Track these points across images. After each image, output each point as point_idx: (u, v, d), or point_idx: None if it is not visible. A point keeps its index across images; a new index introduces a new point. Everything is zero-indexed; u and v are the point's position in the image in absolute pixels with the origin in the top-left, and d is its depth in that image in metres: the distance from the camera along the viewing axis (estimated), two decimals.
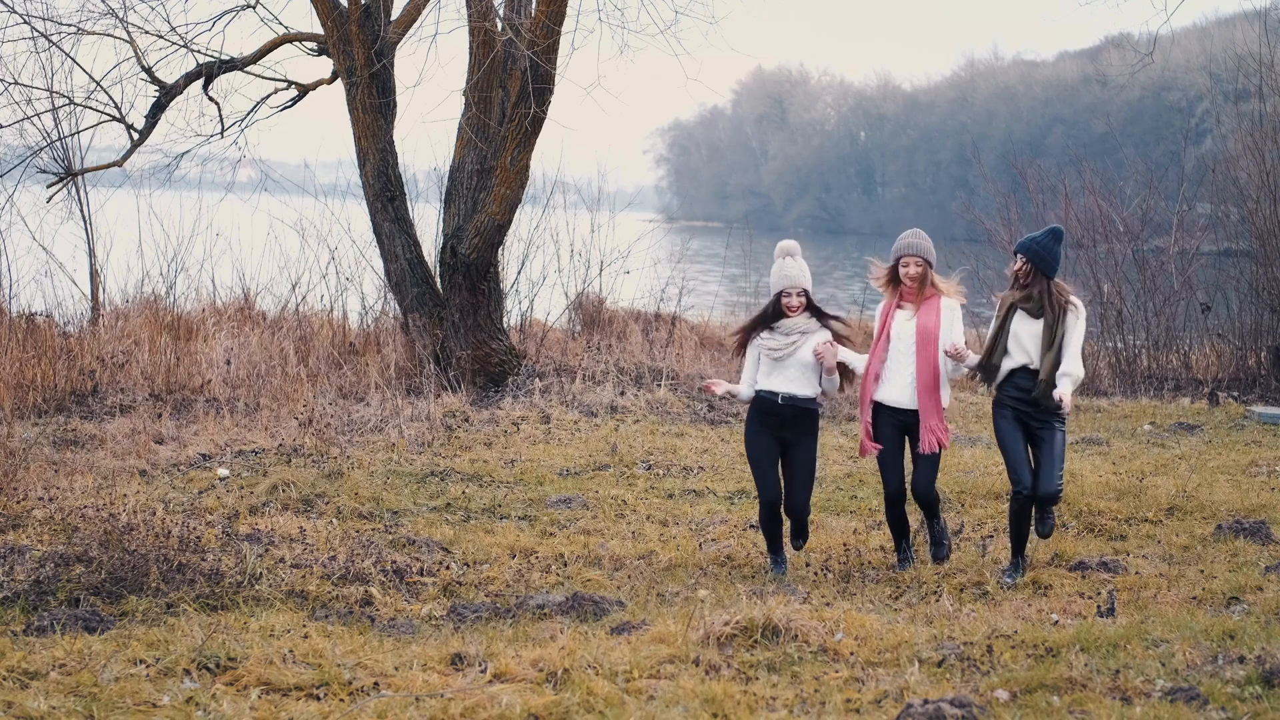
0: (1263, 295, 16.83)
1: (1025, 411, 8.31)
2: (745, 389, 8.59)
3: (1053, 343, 8.26)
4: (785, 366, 8.44)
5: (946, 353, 8.34)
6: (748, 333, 8.63)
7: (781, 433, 8.47)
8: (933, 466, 8.46)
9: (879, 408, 8.51)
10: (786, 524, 8.70)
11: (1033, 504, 8.34)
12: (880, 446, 8.47)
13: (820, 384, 8.51)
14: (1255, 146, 17.07)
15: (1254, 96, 18.49)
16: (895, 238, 8.60)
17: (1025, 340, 8.34)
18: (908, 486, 8.54)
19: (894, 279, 8.52)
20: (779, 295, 8.50)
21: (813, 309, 8.55)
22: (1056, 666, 6.47)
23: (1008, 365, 8.37)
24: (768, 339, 8.49)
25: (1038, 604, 7.70)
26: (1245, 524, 9.29)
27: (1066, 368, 8.28)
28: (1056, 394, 8.23)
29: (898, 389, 8.42)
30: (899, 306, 8.53)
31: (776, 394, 8.47)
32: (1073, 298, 8.42)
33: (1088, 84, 78.21)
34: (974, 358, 8.43)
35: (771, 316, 8.52)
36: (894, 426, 8.47)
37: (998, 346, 8.42)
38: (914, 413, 8.39)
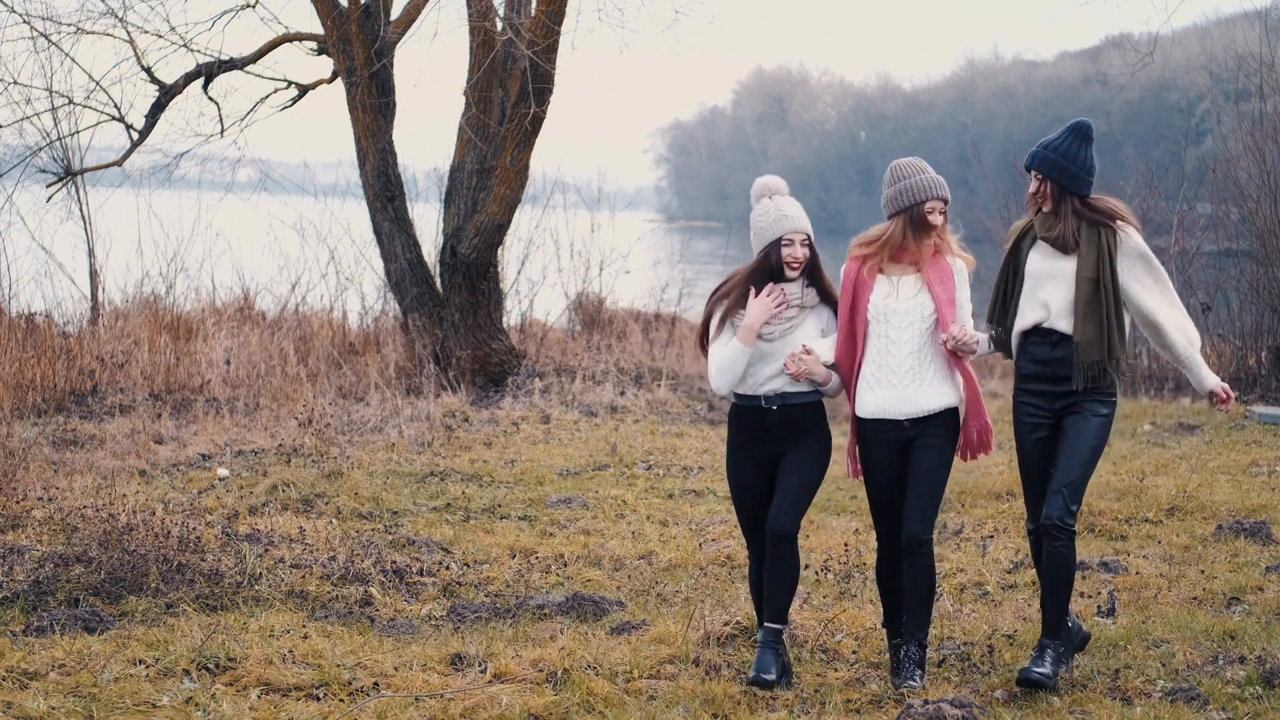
0: (1263, 295, 16.81)
1: (1047, 392, 5.96)
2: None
3: (1095, 293, 5.75)
4: (776, 355, 6.12)
5: (945, 344, 5.96)
6: (730, 305, 6.15)
7: (773, 447, 6.20)
8: (935, 493, 6.12)
9: (864, 425, 6.17)
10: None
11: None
12: (859, 478, 6.29)
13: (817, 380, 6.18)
14: (1255, 146, 17.04)
15: (1254, 96, 18.46)
16: None
17: (1046, 286, 5.87)
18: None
19: (913, 229, 6.09)
20: (777, 243, 6.09)
21: (813, 270, 6.22)
22: None
23: (1017, 325, 6.01)
24: None
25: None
26: (1246, 524, 9.28)
27: (1173, 337, 5.83)
28: (1211, 385, 5.84)
29: (897, 393, 6.08)
30: (880, 270, 6.16)
31: (758, 396, 6.15)
32: (1123, 220, 5.84)
33: (1088, 84, 78.15)
34: (984, 342, 6.07)
35: (762, 278, 6.13)
36: (889, 448, 6.17)
37: (1009, 296, 6.02)
38: (919, 423, 6.08)
